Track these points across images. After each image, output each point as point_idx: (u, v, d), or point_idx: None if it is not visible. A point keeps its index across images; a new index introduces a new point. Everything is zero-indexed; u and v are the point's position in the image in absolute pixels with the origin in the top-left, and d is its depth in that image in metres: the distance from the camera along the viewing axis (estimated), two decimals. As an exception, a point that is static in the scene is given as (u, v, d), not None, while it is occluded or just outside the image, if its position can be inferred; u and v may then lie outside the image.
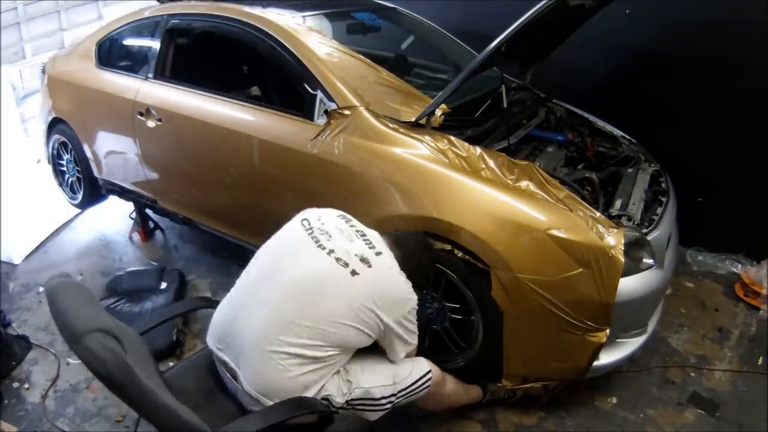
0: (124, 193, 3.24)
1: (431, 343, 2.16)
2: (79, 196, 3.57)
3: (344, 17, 2.91)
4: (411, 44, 3.05)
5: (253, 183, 2.44)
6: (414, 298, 1.60)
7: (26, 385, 2.31)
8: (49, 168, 3.76)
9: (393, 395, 1.63)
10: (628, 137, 2.68)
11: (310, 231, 1.62)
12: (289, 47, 2.31)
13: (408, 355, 1.68)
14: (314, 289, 1.50)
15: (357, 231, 1.65)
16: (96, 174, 3.33)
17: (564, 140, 2.50)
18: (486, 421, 2.10)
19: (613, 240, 1.76)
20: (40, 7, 5.33)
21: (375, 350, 1.66)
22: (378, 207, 2.02)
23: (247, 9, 2.54)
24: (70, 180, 3.61)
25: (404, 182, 1.97)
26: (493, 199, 1.85)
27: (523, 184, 1.89)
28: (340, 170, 2.10)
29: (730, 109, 2.83)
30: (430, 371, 1.72)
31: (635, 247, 1.86)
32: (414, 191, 1.94)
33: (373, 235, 1.67)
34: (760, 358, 2.44)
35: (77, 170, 3.48)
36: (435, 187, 1.92)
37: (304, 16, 2.62)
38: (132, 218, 3.43)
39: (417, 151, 2.00)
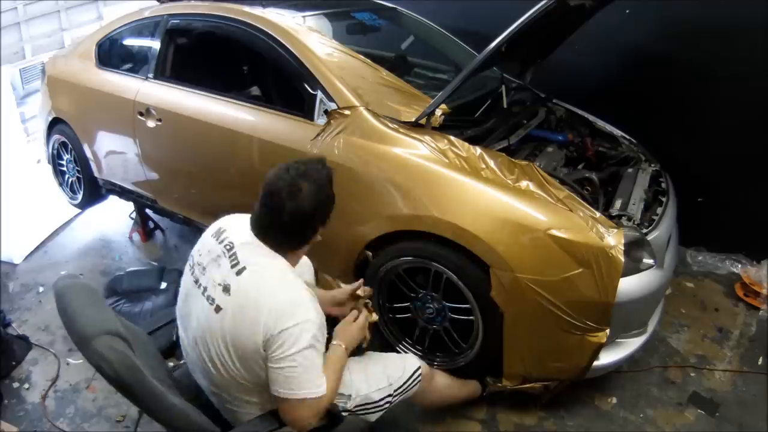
0: (124, 193, 3.24)
1: (431, 343, 2.16)
2: (79, 196, 3.57)
3: (344, 17, 2.91)
4: (411, 44, 3.05)
5: (253, 183, 2.42)
6: (302, 304, 1.35)
7: (26, 385, 2.31)
8: (49, 168, 3.76)
9: (390, 395, 1.66)
10: (628, 137, 2.68)
11: (192, 270, 1.52)
12: (289, 47, 2.31)
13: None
14: (206, 349, 1.41)
15: (226, 246, 1.45)
16: (96, 174, 3.34)
17: (564, 140, 2.49)
18: (486, 421, 2.10)
19: (613, 240, 1.76)
20: (40, 7, 5.33)
21: (360, 356, 1.69)
22: (378, 207, 2.02)
23: (247, 9, 2.54)
24: (70, 180, 3.61)
25: (404, 182, 1.97)
26: (493, 199, 1.85)
27: (523, 184, 1.89)
28: (340, 170, 2.09)
29: (730, 109, 2.83)
30: (419, 367, 1.75)
31: (635, 247, 1.86)
32: (414, 191, 1.94)
33: (242, 240, 1.45)
34: (760, 358, 2.44)
35: (77, 170, 3.48)
36: (435, 187, 1.92)
37: (304, 16, 2.62)
38: (132, 218, 3.43)
39: (417, 151, 2.00)
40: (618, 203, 2.09)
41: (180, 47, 2.84)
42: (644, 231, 1.97)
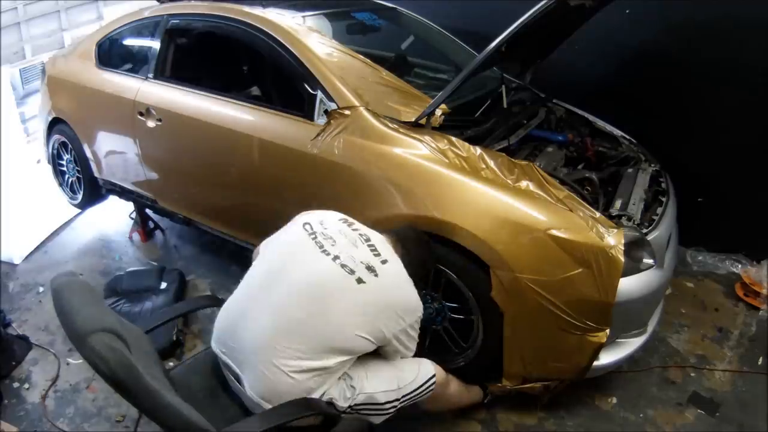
0: (124, 193, 3.24)
1: (431, 343, 2.16)
2: (79, 196, 3.57)
3: (344, 17, 2.91)
4: (411, 44, 3.05)
5: (253, 183, 2.44)
6: (420, 306, 1.59)
7: (26, 385, 2.31)
8: (49, 168, 3.76)
9: (397, 400, 1.61)
10: (628, 137, 2.68)
11: (314, 235, 1.60)
12: (289, 47, 2.31)
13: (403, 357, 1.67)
14: (320, 296, 1.49)
15: (361, 235, 1.63)
16: (96, 174, 3.33)
17: (564, 140, 2.49)
18: (486, 421, 2.10)
19: (613, 240, 1.76)
20: (40, 7, 5.33)
21: (379, 354, 1.65)
22: (378, 207, 2.02)
23: (247, 9, 2.54)
24: (70, 180, 3.61)
25: (404, 182, 1.97)
26: (493, 199, 1.85)
27: (523, 184, 1.89)
28: (340, 170, 2.10)
29: (730, 108, 2.83)
30: (434, 375, 1.70)
31: (635, 247, 1.86)
32: (414, 191, 1.94)
33: (378, 239, 1.65)
34: (760, 358, 2.44)
35: (77, 170, 3.48)
36: (435, 187, 1.92)
37: (304, 16, 2.62)
38: (132, 218, 3.43)
39: (417, 151, 2.00)
40: (618, 203, 2.09)
41: (180, 47, 2.84)
42: (644, 231, 1.97)
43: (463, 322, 2.03)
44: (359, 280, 1.50)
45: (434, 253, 1.85)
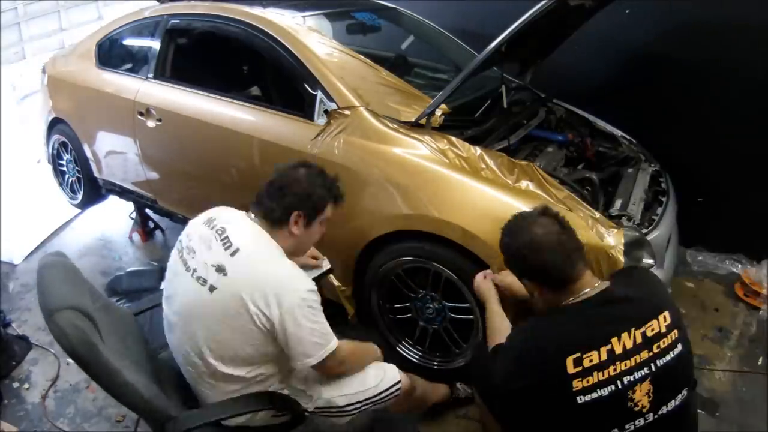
0: (124, 193, 3.24)
1: (431, 343, 2.16)
2: (79, 196, 3.57)
3: (344, 17, 2.91)
4: (411, 44, 3.05)
5: (253, 183, 2.43)
6: (298, 284, 1.41)
7: (26, 385, 2.31)
8: (49, 168, 3.76)
9: (359, 402, 1.60)
10: (628, 137, 2.68)
11: (181, 252, 1.55)
12: (289, 47, 2.31)
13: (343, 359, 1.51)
14: (190, 321, 1.46)
15: (217, 231, 1.49)
16: (96, 174, 3.34)
17: (564, 140, 2.49)
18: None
19: (613, 240, 1.76)
20: (40, 7, 5.34)
21: None
22: (378, 207, 2.02)
23: (247, 9, 2.54)
24: (70, 180, 3.61)
25: (404, 182, 1.97)
26: (493, 199, 1.85)
27: (523, 184, 1.89)
28: (340, 170, 2.09)
29: (730, 109, 2.83)
30: (399, 381, 1.67)
31: (635, 247, 1.86)
32: (414, 191, 1.94)
33: (235, 225, 1.50)
34: (760, 358, 2.44)
35: (77, 170, 3.48)
36: (435, 187, 1.92)
37: (304, 16, 2.62)
38: (132, 218, 3.43)
39: (417, 151, 2.00)
40: (618, 203, 2.09)
41: (180, 47, 2.84)
42: (644, 231, 1.97)
43: (463, 322, 2.03)
44: (211, 288, 1.41)
45: (330, 184, 1.62)
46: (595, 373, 1.24)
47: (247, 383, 1.48)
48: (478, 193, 1.87)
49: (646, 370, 1.25)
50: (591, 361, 1.24)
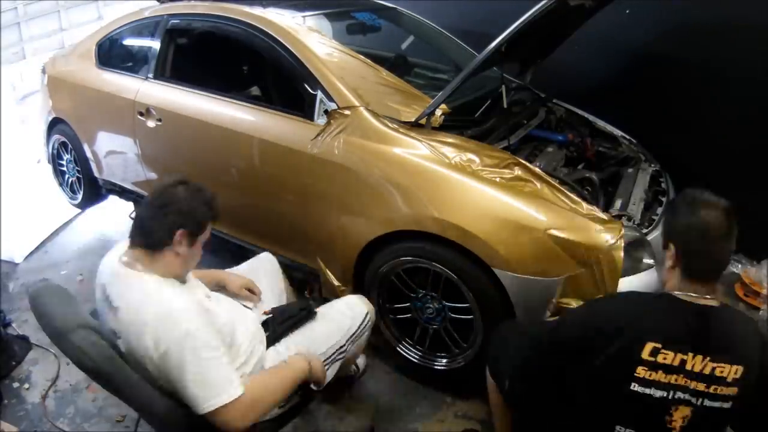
0: (124, 193, 3.24)
1: (432, 343, 2.16)
2: (79, 196, 3.58)
3: (344, 17, 2.91)
4: (411, 44, 3.05)
5: (253, 183, 2.44)
6: (183, 323, 1.31)
7: (26, 385, 2.31)
8: (49, 168, 3.76)
9: (341, 346, 1.76)
10: (628, 137, 2.68)
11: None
12: (289, 47, 2.31)
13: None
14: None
15: (104, 293, 1.43)
16: (96, 174, 3.34)
17: (564, 140, 2.49)
18: (486, 421, 2.09)
19: (613, 240, 1.76)
20: (40, 7, 5.34)
21: (311, 324, 1.76)
22: (378, 207, 2.02)
23: (247, 9, 2.54)
24: (70, 180, 3.61)
25: (404, 182, 1.97)
26: (493, 199, 1.85)
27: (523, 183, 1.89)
28: (340, 170, 2.10)
29: (730, 109, 2.83)
30: (367, 312, 1.84)
31: (635, 247, 1.86)
32: (414, 191, 1.94)
33: (110, 274, 1.45)
34: (760, 358, 2.43)
35: (77, 170, 3.48)
36: (435, 187, 1.92)
37: (304, 16, 2.62)
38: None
39: (417, 151, 2.00)
40: (618, 203, 2.09)
41: (180, 47, 2.84)
42: (644, 231, 1.97)
43: (463, 322, 2.03)
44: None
45: (210, 208, 1.51)
46: (660, 372, 1.23)
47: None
48: (479, 193, 1.87)
49: (694, 399, 1.24)
50: (665, 359, 1.22)
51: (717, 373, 1.23)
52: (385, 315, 2.22)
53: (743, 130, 2.83)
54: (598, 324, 1.29)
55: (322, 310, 1.83)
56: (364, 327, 1.83)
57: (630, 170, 2.39)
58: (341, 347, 1.76)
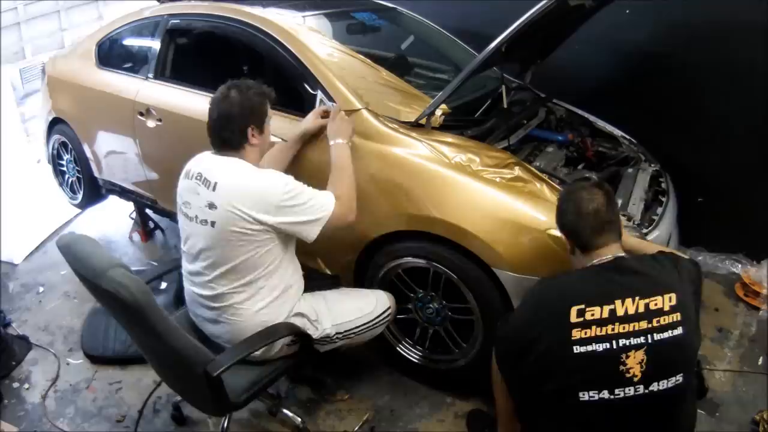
0: (124, 193, 3.24)
1: (432, 343, 2.16)
2: (79, 196, 3.57)
3: (344, 17, 2.91)
4: (411, 44, 3.04)
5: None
6: (275, 185, 1.63)
7: (26, 385, 2.31)
8: (49, 168, 3.76)
9: (356, 327, 1.87)
10: (628, 137, 2.68)
11: (182, 210, 1.77)
12: (289, 47, 2.31)
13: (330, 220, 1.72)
14: (208, 258, 1.69)
15: (196, 177, 1.71)
16: (96, 174, 3.34)
17: (564, 140, 2.50)
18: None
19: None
20: (40, 7, 5.35)
21: (338, 291, 1.96)
22: (378, 207, 2.01)
23: (247, 9, 2.54)
24: (70, 180, 3.61)
25: (404, 182, 1.97)
26: (493, 199, 1.85)
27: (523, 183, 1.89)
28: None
29: (730, 109, 2.83)
30: (390, 307, 1.94)
31: (635, 247, 1.86)
32: (414, 191, 1.94)
33: (207, 164, 1.72)
34: (760, 358, 2.44)
35: (77, 170, 3.48)
36: (435, 187, 1.92)
37: (304, 16, 2.62)
38: (132, 218, 3.43)
39: (417, 151, 2.00)
40: (618, 203, 2.09)
41: (180, 47, 2.84)
42: (644, 231, 1.97)
43: (463, 322, 2.03)
44: (212, 224, 1.64)
45: (262, 92, 1.83)
46: (593, 327, 1.33)
47: (268, 296, 1.71)
48: (479, 194, 1.87)
49: (642, 339, 1.32)
50: (593, 315, 1.33)
51: (652, 306, 1.34)
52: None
53: (743, 130, 2.83)
54: (532, 313, 1.46)
55: (349, 289, 2.05)
56: (383, 320, 1.94)
57: (630, 170, 2.39)
58: (355, 327, 1.87)
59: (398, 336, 2.24)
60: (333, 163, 1.89)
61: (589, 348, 1.32)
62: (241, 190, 1.62)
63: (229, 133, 1.71)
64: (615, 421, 1.35)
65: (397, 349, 2.24)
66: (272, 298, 1.73)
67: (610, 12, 2.58)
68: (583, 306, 1.34)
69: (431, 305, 2.09)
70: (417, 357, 2.21)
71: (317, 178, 1.87)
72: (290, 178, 1.68)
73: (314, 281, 1.95)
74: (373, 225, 2.04)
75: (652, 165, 2.48)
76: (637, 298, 1.33)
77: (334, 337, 1.85)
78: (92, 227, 3.59)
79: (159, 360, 1.72)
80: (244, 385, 1.68)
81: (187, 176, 1.76)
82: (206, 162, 1.74)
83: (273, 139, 2.28)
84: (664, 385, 1.33)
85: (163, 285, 2.80)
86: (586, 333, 1.32)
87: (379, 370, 2.31)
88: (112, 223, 3.62)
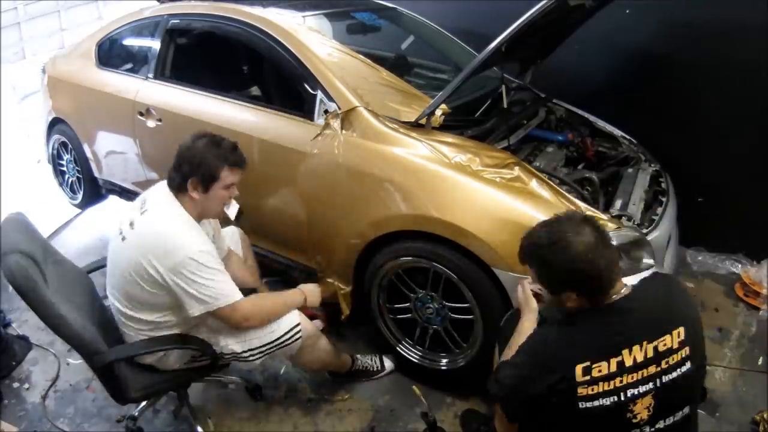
0: (124, 193, 3.24)
1: (432, 343, 2.16)
2: (79, 196, 3.57)
3: (344, 17, 2.91)
4: (411, 44, 3.04)
5: (253, 183, 2.43)
6: (188, 247, 1.62)
7: (26, 385, 2.31)
8: (49, 168, 3.76)
9: (257, 348, 1.80)
10: (628, 137, 2.68)
11: (120, 218, 1.81)
12: (289, 47, 2.31)
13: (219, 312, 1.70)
14: (112, 268, 1.76)
15: (141, 200, 1.78)
16: (96, 174, 3.34)
17: (564, 140, 2.49)
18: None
19: (613, 240, 1.75)
20: (40, 7, 5.35)
21: None
22: (378, 207, 2.02)
23: (247, 9, 2.54)
24: (70, 180, 3.61)
25: (404, 182, 1.97)
26: (493, 199, 1.85)
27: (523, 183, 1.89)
28: (340, 170, 2.10)
29: (730, 108, 2.83)
30: (299, 324, 1.84)
31: (635, 247, 1.86)
32: (414, 191, 1.94)
33: (155, 192, 1.79)
34: (760, 358, 2.44)
35: (77, 170, 3.48)
36: (435, 187, 1.92)
37: (304, 16, 2.62)
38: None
39: (417, 151, 2.00)
40: (618, 203, 2.09)
41: (180, 47, 2.84)
42: (644, 231, 1.97)
43: (464, 322, 2.03)
44: (123, 238, 1.71)
45: (226, 156, 1.76)
46: (601, 383, 1.25)
47: (155, 326, 1.75)
48: (478, 193, 1.87)
49: (650, 385, 1.26)
50: (600, 371, 1.25)
51: (660, 348, 1.26)
52: (385, 315, 2.22)
53: (743, 130, 2.83)
54: (532, 373, 1.31)
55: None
56: (291, 338, 1.83)
57: (630, 170, 2.39)
58: (255, 348, 1.80)
59: (398, 336, 2.24)
60: (277, 294, 1.93)
61: (596, 403, 1.26)
62: (154, 236, 1.65)
63: (175, 174, 1.74)
64: None
65: (397, 349, 2.24)
66: (159, 330, 1.76)
67: (610, 12, 2.58)
68: (588, 363, 1.25)
69: (431, 305, 2.09)
70: (417, 357, 2.21)
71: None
72: (209, 250, 1.67)
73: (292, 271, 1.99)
74: (373, 225, 2.04)
75: (652, 165, 2.48)
76: (645, 343, 1.26)
77: (242, 354, 1.80)
78: (92, 227, 3.58)
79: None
80: (144, 381, 1.76)
81: (144, 192, 1.85)
82: (158, 188, 1.80)
83: (272, 139, 2.30)
84: (670, 420, 1.29)
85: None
86: (593, 390, 1.25)
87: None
88: (112, 223, 3.61)
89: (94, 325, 1.66)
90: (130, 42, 3.14)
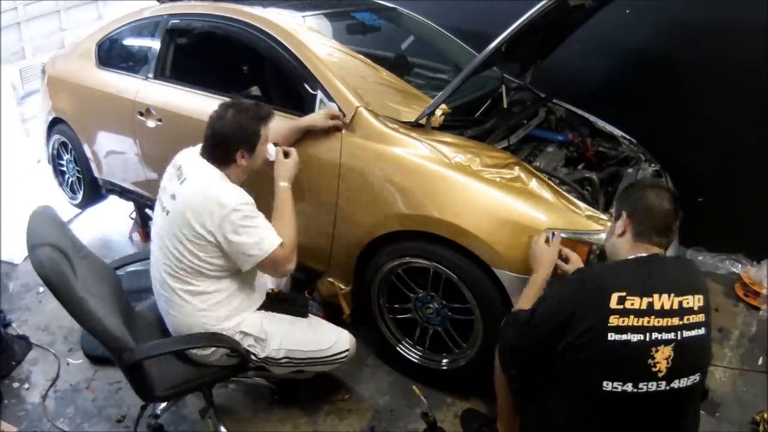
0: (124, 193, 3.24)
1: (432, 343, 2.16)
2: (79, 196, 3.57)
3: (344, 17, 2.91)
4: (411, 44, 3.04)
5: (252, 182, 2.43)
6: (230, 201, 1.65)
7: (26, 385, 2.31)
8: (49, 168, 3.76)
9: (299, 358, 1.84)
10: (628, 137, 2.68)
11: (159, 193, 1.85)
12: (289, 47, 2.31)
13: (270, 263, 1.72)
14: (160, 245, 1.76)
15: (178, 168, 1.79)
16: (96, 174, 3.34)
17: (564, 140, 2.50)
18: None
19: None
20: (40, 7, 5.34)
21: (294, 318, 1.91)
22: (378, 207, 2.02)
23: (247, 9, 2.54)
24: (70, 180, 3.61)
25: (404, 182, 1.97)
26: (493, 199, 1.85)
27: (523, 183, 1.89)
28: (340, 170, 2.10)
29: (730, 108, 2.83)
30: (348, 350, 1.90)
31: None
32: (414, 191, 1.94)
33: (190, 160, 1.80)
34: (760, 358, 2.44)
35: (77, 170, 3.48)
36: (435, 187, 1.92)
37: (304, 16, 2.62)
38: (132, 218, 3.43)
39: (417, 151, 2.00)
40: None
41: (180, 47, 2.84)
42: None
43: (464, 322, 2.03)
44: (167, 212, 1.73)
45: (257, 115, 1.81)
46: (631, 317, 1.32)
47: (210, 298, 1.74)
48: (478, 193, 1.87)
49: (672, 335, 1.33)
50: (632, 304, 1.32)
51: (685, 304, 1.36)
52: (385, 315, 2.22)
53: (743, 130, 2.83)
54: (571, 294, 1.41)
55: (315, 319, 1.99)
56: (336, 360, 1.90)
57: (630, 170, 2.39)
58: (307, 358, 1.85)
59: (398, 336, 2.24)
60: (277, 208, 1.89)
61: (624, 337, 1.31)
62: (200, 198, 1.67)
63: (219, 151, 1.76)
64: (631, 413, 1.36)
65: (397, 349, 2.24)
66: (215, 301, 1.75)
67: (610, 12, 2.58)
68: (624, 294, 1.33)
69: (431, 305, 2.09)
70: (417, 357, 2.21)
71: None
72: (251, 201, 1.70)
73: (284, 303, 1.95)
74: (373, 225, 2.04)
75: (652, 165, 2.48)
76: (672, 294, 1.35)
77: (282, 360, 1.82)
78: (92, 227, 3.58)
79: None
80: (171, 381, 1.72)
81: (172, 165, 1.85)
82: (190, 157, 1.81)
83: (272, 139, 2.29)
84: (684, 383, 1.34)
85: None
86: (623, 321, 1.31)
87: (379, 370, 2.31)
88: (112, 223, 3.62)
89: (122, 323, 1.64)
90: (130, 42, 3.14)
